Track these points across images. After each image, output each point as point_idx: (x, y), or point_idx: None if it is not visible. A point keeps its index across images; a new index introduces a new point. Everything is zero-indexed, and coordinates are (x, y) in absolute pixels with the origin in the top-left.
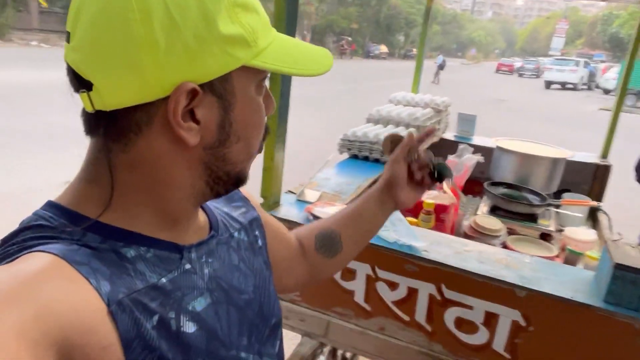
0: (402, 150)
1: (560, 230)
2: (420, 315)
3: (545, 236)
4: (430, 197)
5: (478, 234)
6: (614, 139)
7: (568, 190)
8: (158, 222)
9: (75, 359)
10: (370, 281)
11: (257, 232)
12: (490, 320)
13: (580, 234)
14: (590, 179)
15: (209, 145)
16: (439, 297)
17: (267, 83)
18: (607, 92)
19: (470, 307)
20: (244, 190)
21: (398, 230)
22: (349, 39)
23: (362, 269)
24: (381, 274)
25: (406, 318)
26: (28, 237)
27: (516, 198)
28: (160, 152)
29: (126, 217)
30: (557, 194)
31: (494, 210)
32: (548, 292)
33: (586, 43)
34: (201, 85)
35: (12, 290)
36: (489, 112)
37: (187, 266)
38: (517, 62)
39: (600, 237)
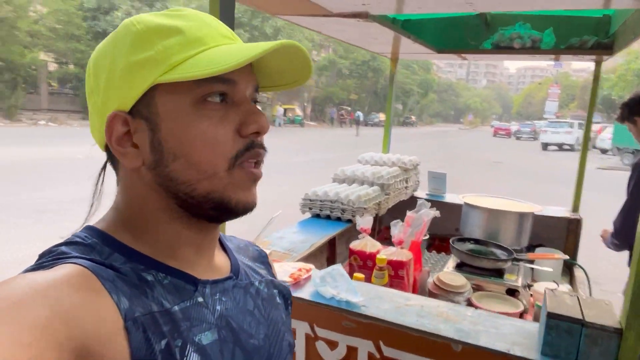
0: None
1: (530, 286)
2: None
3: (513, 292)
4: (387, 253)
5: (442, 291)
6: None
7: (542, 245)
8: (167, 249)
9: None
10: (310, 341)
11: (275, 291)
12: None
13: (548, 287)
14: (564, 234)
15: (150, 166)
16: (378, 356)
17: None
18: (604, 151)
19: None
20: (271, 260)
21: (338, 286)
22: (348, 108)
23: (301, 328)
24: (320, 332)
25: None
26: (62, 251)
27: (483, 253)
28: (128, 179)
29: (145, 242)
30: (531, 249)
31: (461, 267)
32: (483, 345)
33: (579, 106)
34: (131, 112)
35: (45, 290)
36: (485, 174)
37: (200, 299)
38: (514, 126)
39: (575, 292)
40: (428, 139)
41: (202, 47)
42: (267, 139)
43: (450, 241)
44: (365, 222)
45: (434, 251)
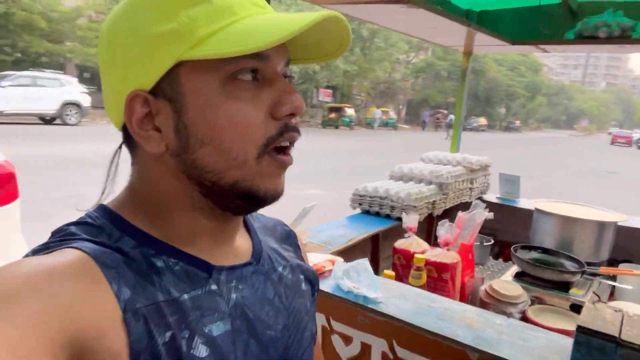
0: None
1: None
2: None
3: (578, 308)
4: (432, 253)
5: (493, 300)
6: None
7: (628, 261)
8: (183, 235)
9: None
10: (326, 334)
11: (301, 277)
12: None
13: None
14: None
15: (174, 152)
16: (391, 356)
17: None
18: None
19: None
20: (301, 241)
21: (360, 280)
22: (445, 112)
23: (318, 319)
24: (336, 326)
25: None
26: (71, 232)
27: (549, 264)
28: (147, 163)
29: (159, 226)
30: (614, 264)
31: (521, 276)
32: (503, 356)
33: None
34: (152, 92)
35: (39, 281)
36: (591, 185)
37: (213, 287)
38: (637, 134)
39: None
40: (533, 145)
41: (232, 17)
42: (362, 141)
43: (512, 249)
44: (411, 220)
45: (500, 259)
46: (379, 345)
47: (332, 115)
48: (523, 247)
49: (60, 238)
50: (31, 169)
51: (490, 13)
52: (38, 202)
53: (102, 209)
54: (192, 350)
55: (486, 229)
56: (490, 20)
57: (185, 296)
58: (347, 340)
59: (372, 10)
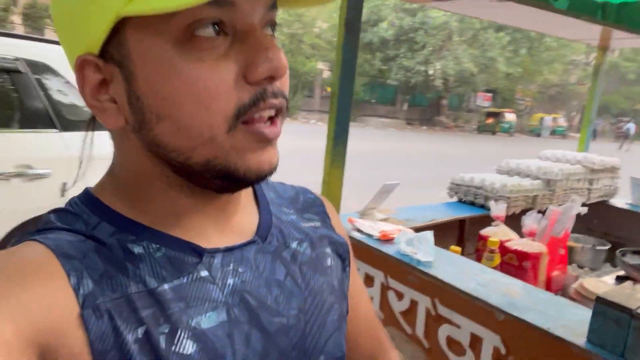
0: None
1: None
2: (420, 329)
3: None
4: (515, 242)
5: (582, 298)
6: None
7: None
8: (166, 216)
9: None
10: (384, 289)
11: (326, 250)
12: (476, 343)
13: None
14: None
15: (133, 127)
16: (433, 312)
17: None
18: None
19: (458, 326)
20: (331, 208)
21: (420, 248)
22: (626, 119)
23: (378, 277)
24: (391, 283)
25: (409, 330)
26: (49, 220)
27: None
28: (117, 139)
29: (140, 209)
30: None
31: (622, 280)
32: (525, 319)
33: None
34: (102, 56)
35: None
36: None
37: (204, 273)
38: None
39: None
40: None
41: None
42: (516, 147)
43: (618, 252)
44: (499, 209)
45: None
46: (424, 302)
47: (490, 120)
48: (634, 252)
49: (38, 227)
50: None
51: (631, 5)
52: None
53: (84, 193)
54: (173, 347)
55: (611, 235)
56: (628, 13)
57: (166, 286)
58: (400, 296)
59: (469, 5)
